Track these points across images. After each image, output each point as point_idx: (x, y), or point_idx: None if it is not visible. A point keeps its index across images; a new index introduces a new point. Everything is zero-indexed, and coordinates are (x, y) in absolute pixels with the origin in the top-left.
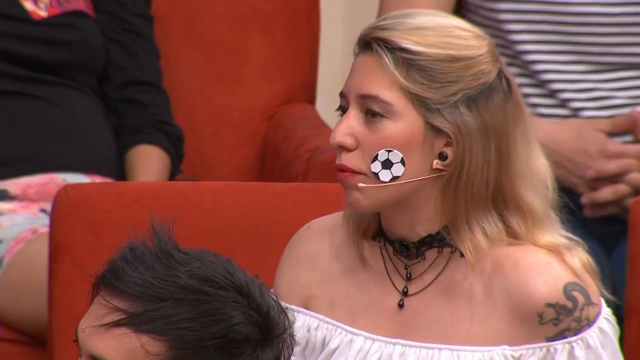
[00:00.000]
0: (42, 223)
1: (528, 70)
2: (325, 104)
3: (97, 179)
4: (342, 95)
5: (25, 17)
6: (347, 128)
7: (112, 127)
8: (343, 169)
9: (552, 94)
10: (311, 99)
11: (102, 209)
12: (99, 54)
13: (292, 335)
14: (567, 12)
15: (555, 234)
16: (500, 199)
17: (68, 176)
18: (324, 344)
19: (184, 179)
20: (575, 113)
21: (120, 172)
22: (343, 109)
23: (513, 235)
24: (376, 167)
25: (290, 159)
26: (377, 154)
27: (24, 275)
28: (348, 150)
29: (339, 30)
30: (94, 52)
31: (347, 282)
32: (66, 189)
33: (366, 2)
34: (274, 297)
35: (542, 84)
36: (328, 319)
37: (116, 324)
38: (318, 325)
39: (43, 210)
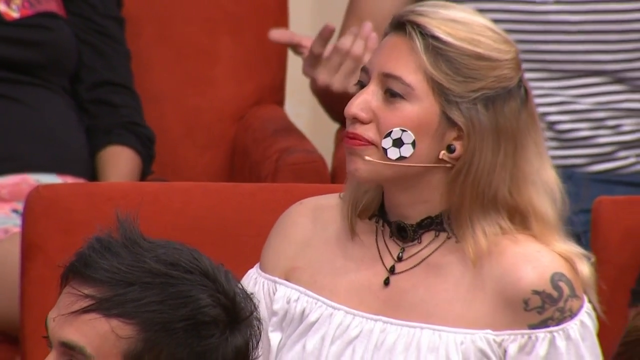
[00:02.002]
0: (14, 223)
1: None
2: (294, 106)
3: (69, 179)
4: (364, 70)
5: None
6: (363, 102)
7: (84, 128)
8: (355, 137)
9: None
10: (280, 101)
11: (74, 208)
12: (71, 54)
13: (259, 320)
14: (531, 21)
15: (569, 243)
16: (506, 204)
17: (40, 176)
18: (302, 316)
19: (154, 179)
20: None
21: (92, 171)
22: (361, 84)
23: (518, 231)
24: (387, 143)
25: (259, 159)
26: (392, 131)
27: None
28: (362, 123)
29: (307, 32)
30: (65, 52)
31: (332, 256)
32: (38, 189)
33: (334, 6)
34: (240, 284)
35: None
36: (309, 292)
37: (86, 310)
38: (298, 298)
39: (15, 211)
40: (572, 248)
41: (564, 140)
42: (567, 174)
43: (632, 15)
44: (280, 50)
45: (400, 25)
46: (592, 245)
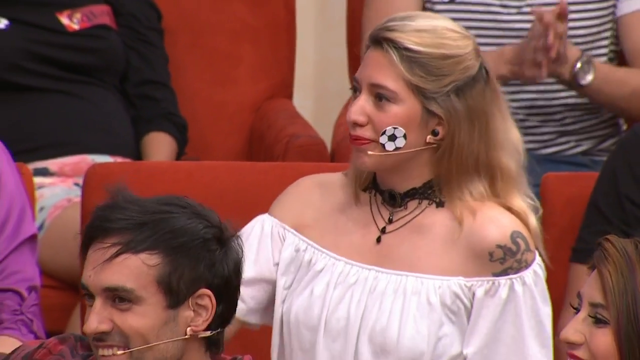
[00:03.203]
0: (76, 194)
1: None
2: (300, 100)
3: (119, 159)
4: (356, 80)
5: (62, 30)
6: (359, 109)
7: (131, 118)
8: (358, 139)
9: None
10: (289, 95)
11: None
12: (120, 58)
13: (239, 238)
14: (496, 28)
15: (524, 195)
16: (485, 167)
17: (96, 157)
18: (310, 264)
19: (188, 159)
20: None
21: (137, 153)
22: (355, 89)
23: (494, 195)
24: (384, 139)
25: (272, 143)
26: (386, 129)
27: (61, 235)
28: (360, 125)
29: (311, 41)
30: (116, 57)
31: (336, 219)
32: (95, 166)
33: (333, 20)
34: (217, 215)
35: None
36: (316, 245)
37: (117, 254)
38: (306, 248)
39: (76, 184)
40: (526, 203)
41: (520, 127)
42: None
43: (580, 14)
44: (289, 56)
45: (378, 41)
46: (542, 213)
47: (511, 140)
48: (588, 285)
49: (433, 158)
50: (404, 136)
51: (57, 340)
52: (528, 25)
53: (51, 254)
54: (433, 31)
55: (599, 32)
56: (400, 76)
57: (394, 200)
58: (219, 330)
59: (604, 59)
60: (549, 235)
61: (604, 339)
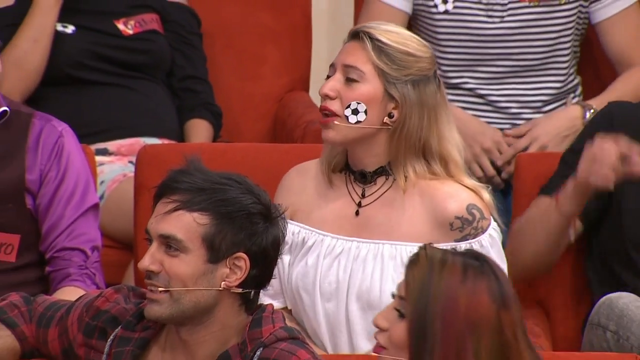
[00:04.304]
0: (130, 170)
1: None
2: (315, 92)
3: (166, 141)
4: (332, 65)
5: (118, 34)
6: (332, 85)
7: (175, 107)
8: (326, 109)
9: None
10: (306, 89)
11: (169, 161)
12: (167, 58)
13: (285, 221)
14: (482, 35)
15: (472, 179)
16: (438, 154)
17: (147, 139)
18: (303, 242)
19: (222, 142)
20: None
21: (180, 136)
22: (329, 75)
23: (448, 176)
24: (348, 112)
25: (292, 128)
26: (350, 103)
27: (118, 204)
28: (331, 99)
29: (325, 43)
30: (163, 57)
31: (319, 200)
32: (145, 147)
33: (343, 24)
34: (269, 196)
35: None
36: (306, 226)
37: (174, 209)
38: (299, 231)
39: (131, 162)
40: (476, 182)
41: (503, 114)
42: None
43: (549, 22)
44: (307, 55)
45: (356, 34)
46: (514, 187)
47: (455, 140)
48: (401, 280)
49: (388, 139)
50: (365, 112)
51: (113, 290)
52: (509, 32)
53: (109, 220)
54: (401, 34)
55: (559, 37)
56: (369, 60)
57: (365, 177)
58: (252, 291)
59: (566, 58)
60: (521, 204)
61: (400, 330)
